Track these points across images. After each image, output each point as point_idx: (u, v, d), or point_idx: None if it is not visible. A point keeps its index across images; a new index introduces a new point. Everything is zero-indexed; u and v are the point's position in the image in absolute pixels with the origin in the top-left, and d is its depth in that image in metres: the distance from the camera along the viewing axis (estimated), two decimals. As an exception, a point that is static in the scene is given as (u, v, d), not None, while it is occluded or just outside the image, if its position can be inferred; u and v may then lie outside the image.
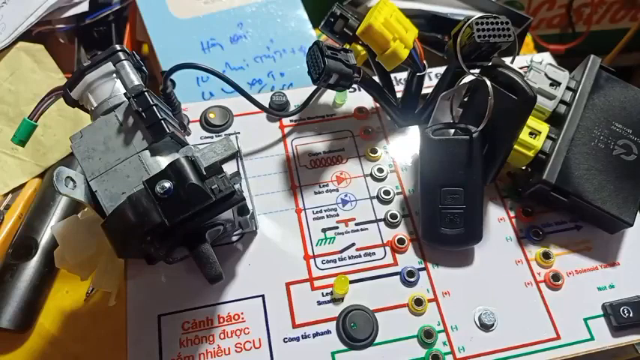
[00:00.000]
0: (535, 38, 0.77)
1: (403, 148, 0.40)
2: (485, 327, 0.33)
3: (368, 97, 0.42)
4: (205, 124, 0.40)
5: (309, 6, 0.54)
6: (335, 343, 0.32)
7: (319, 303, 0.34)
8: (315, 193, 0.38)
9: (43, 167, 0.50)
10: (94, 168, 0.30)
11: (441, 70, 0.43)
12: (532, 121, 0.36)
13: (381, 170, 0.38)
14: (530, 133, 0.36)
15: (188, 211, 0.26)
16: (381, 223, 0.37)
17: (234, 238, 0.36)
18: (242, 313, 0.33)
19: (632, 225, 0.35)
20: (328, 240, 0.36)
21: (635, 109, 0.38)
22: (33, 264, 0.43)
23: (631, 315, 0.33)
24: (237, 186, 0.28)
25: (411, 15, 0.44)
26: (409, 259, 0.35)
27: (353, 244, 0.36)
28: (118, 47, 0.32)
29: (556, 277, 0.35)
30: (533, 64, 0.39)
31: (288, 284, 0.34)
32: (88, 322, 0.43)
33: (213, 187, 0.27)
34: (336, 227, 0.36)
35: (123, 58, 0.31)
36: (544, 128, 0.36)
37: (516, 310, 0.34)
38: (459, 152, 0.34)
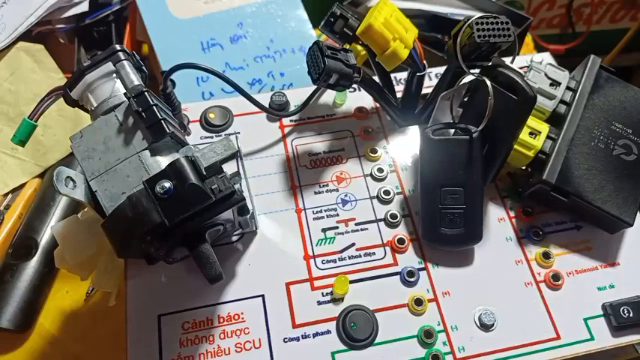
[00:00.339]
0: (535, 38, 0.77)
1: (403, 148, 0.40)
2: (485, 327, 0.33)
3: (368, 97, 0.42)
4: (205, 124, 0.40)
5: (309, 6, 0.54)
6: (335, 343, 0.32)
7: (319, 303, 0.34)
8: (315, 193, 0.38)
9: (43, 167, 0.50)
10: (94, 168, 0.30)
11: (441, 70, 0.43)
12: (532, 121, 0.36)
13: (381, 170, 0.38)
14: (530, 133, 0.36)
15: (188, 211, 0.26)
16: (381, 223, 0.37)
17: (234, 238, 0.36)
18: (242, 313, 0.33)
19: (632, 225, 0.35)
20: (328, 240, 0.36)
21: (635, 109, 0.38)
22: (33, 264, 0.43)
23: (631, 315, 0.33)
24: (237, 186, 0.28)
25: (411, 15, 0.44)
26: (409, 259, 0.35)
27: (353, 244, 0.36)
28: (118, 47, 0.32)
29: (556, 277, 0.35)
30: (533, 64, 0.39)
31: (288, 284, 0.34)
32: (88, 322, 0.43)
33: (213, 187, 0.27)
34: (336, 227, 0.36)
35: (123, 58, 0.31)
36: (544, 128, 0.36)
37: (516, 310, 0.34)
38: (459, 152, 0.34)
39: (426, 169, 0.35)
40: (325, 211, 0.37)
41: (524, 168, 0.38)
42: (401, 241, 0.36)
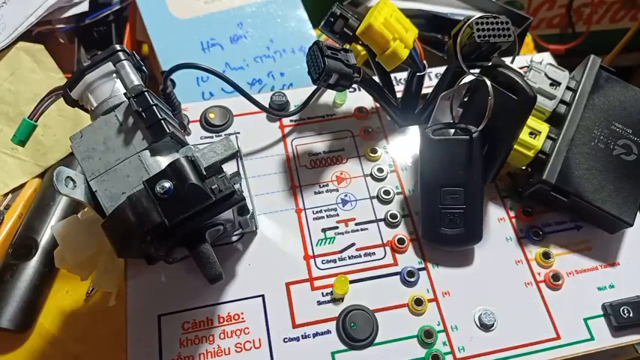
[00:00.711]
0: (535, 38, 0.77)
1: (403, 148, 0.40)
2: (485, 327, 0.33)
3: (368, 97, 0.42)
4: (205, 124, 0.40)
5: (309, 6, 0.54)
6: (335, 343, 0.32)
7: (319, 303, 0.34)
8: (315, 193, 0.38)
9: (43, 167, 0.50)
10: (94, 168, 0.30)
11: (441, 70, 0.43)
12: (532, 121, 0.36)
13: (381, 170, 0.38)
14: (530, 133, 0.36)
15: (188, 211, 0.26)
16: (381, 223, 0.37)
17: (234, 238, 0.36)
18: (242, 313, 0.33)
19: (632, 225, 0.35)
20: (328, 240, 0.36)
21: (635, 109, 0.38)
22: (33, 264, 0.43)
23: (631, 315, 0.33)
24: (237, 186, 0.28)
25: (411, 15, 0.44)
26: (409, 259, 0.35)
27: (353, 244, 0.36)
28: (118, 47, 0.32)
29: (556, 277, 0.35)
30: (533, 64, 0.39)
31: (288, 284, 0.34)
32: (88, 322, 0.43)
33: (213, 187, 0.27)
34: (336, 227, 0.36)
35: (123, 58, 0.31)
36: (544, 128, 0.36)
37: (516, 310, 0.34)
38: (459, 152, 0.34)
39: (426, 169, 0.35)
40: (325, 211, 0.37)
41: (524, 168, 0.38)
42: (401, 241, 0.36)
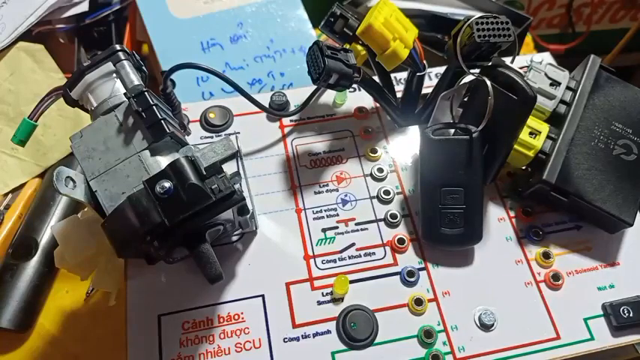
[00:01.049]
0: (535, 38, 0.77)
1: (403, 148, 0.40)
2: (486, 327, 0.33)
3: (368, 97, 0.42)
4: (205, 124, 0.40)
5: (309, 6, 0.54)
6: (335, 343, 0.32)
7: (319, 303, 0.34)
8: (315, 193, 0.38)
9: (43, 167, 0.50)
10: (94, 168, 0.30)
11: (441, 70, 0.43)
12: (532, 121, 0.36)
13: (381, 170, 0.38)
14: (530, 133, 0.36)
15: (188, 211, 0.26)
16: (381, 223, 0.37)
17: (234, 238, 0.36)
18: (242, 313, 0.33)
19: (632, 225, 0.35)
20: (328, 240, 0.36)
21: (635, 109, 0.38)
22: (33, 264, 0.43)
23: (631, 315, 0.33)
24: (237, 186, 0.28)
25: (411, 15, 0.44)
26: (409, 259, 0.35)
27: (353, 244, 0.36)
28: (117, 47, 0.32)
29: (556, 277, 0.35)
30: (533, 64, 0.39)
31: (288, 284, 0.34)
32: (88, 322, 0.43)
33: (213, 187, 0.27)
34: (336, 227, 0.36)
35: (123, 58, 0.31)
36: (544, 128, 0.36)
37: (516, 310, 0.34)
38: (459, 152, 0.34)
39: (426, 169, 0.35)
40: (325, 211, 0.37)
41: (524, 168, 0.38)
42: (401, 241, 0.36)
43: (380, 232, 0.36)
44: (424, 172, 0.35)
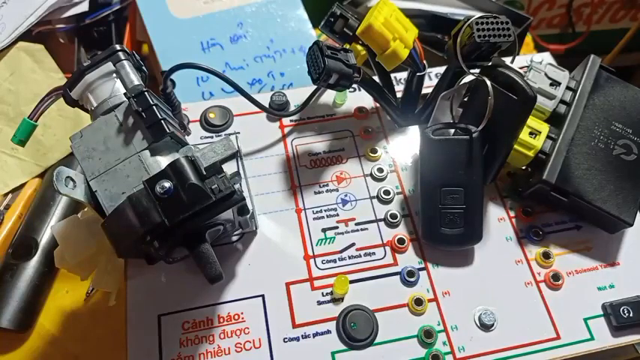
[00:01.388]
0: (535, 38, 0.77)
1: (403, 148, 0.40)
2: (486, 327, 0.33)
3: (368, 97, 0.42)
4: (205, 124, 0.40)
5: (309, 6, 0.54)
6: (335, 343, 0.32)
7: (319, 303, 0.34)
8: (315, 193, 0.38)
9: (43, 167, 0.50)
10: (94, 168, 0.30)
11: (441, 70, 0.43)
12: (532, 121, 0.36)
13: (381, 170, 0.38)
14: (530, 133, 0.36)
15: (188, 211, 0.26)
16: (381, 223, 0.37)
17: (234, 238, 0.36)
18: (242, 313, 0.33)
19: (632, 225, 0.35)
20: (328, 240, 0.36)
21: (635, 109, 0.38)
22: (33, 264, 0.43)
23: (631, 315, 0.33)
24: (237, 186, 0.28)
25: (411, 15, 0.44)
26: (409, 259, 0.35)
27: (353, 244, 0.36)
28: (117, 47, 0.32)
29: (556, 277, 0.35)
30: (533, 64, 0.39)
31: (288, 284, 0.34)
32: (88, 322, 0.43)
33: (213, 187, 0.27)
34: (336, 227, 0.36)
35: (123, 58, 0.31)
36: (544, 128, 0.36)
37: (516, 310, 0.34)
38: (459, 152, 0.34)
39: (426, 169, 0.35)
40: (325, 211, 0.37)
41: (524, 168, 0.38)
42: (401, 241, 0.36)
43: (380, 232, 0.36)
44: (424, 172, 0.35)
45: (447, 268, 0.35)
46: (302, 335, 0.32)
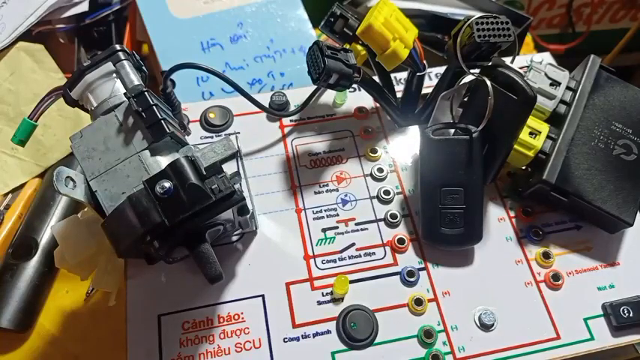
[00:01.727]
0: (535, 38, 0.77)
1: (403, 148, 0.40)
2: (486, 327, 0.33)
3: (368, 97, 0.42)
4: (205, 124, 0.40)
5: (309, 6, 0.54)
6: (335, 343, 0.32)
7: (319, 303, 0.34)
8: (315, 193, 0.38)
9: (43, 167, 0.50)
10: (94, 168, 0.30)
11: (441, 70, 0.43)
12: (532, 121, 0.36)
13: (381, 170, 0.38)
14: (530, 133, 0.36)
15: (188, 211, 0.26)
16: (381, 223, 0.37)
17: (234, 238, 0.36)
18: (242, 313, 0.33)
19: (632, 225, 0.35)
20: (328, 240, 0.36)
21: (635, 109, 0.38)
22: (33, 264, 0.43)
23: (631, 315, 0.33)
24: (237, 186, 0.28)
25: (411, 15, 0.44)
26: (409, 259, 0.35)
27: (353, 244, 0.36)
28: (117, 47, 0.32)
29: (556, 277, 0.35)
30: (533, 64, 0.39)
31: (288, 284, 0.34)
32: (88, 322, 0.43)
33: (213, 187, 0.27)
34: (336, 227, 0.36)
35: (123, 57, 0.31)
36: (544, 128, 0.36)
37: (516, 310, 0.34)
38: (459, 152, 0.34)
39: (426, 169, 0.35)
40: (325, 211, 0.37)
41: (524, 168, 0.38)
42: (401, 241, 0.36)
43: (380, 232, 0.36)
44: (424, 172, 0.35)
45: (447, 268, 0.35)
46: (302, 335, 0.32)
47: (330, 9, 0.37)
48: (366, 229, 0.36)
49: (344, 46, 0.35)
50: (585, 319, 0.34)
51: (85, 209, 0.33)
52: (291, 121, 0.41)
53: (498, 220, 0.37)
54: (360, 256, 0.35)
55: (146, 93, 0.30)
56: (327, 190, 0.38)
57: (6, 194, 0.49)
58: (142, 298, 0.33)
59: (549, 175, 0.35)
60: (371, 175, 0.39)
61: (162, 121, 0.29)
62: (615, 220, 0.35)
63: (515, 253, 0.36)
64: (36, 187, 0.49)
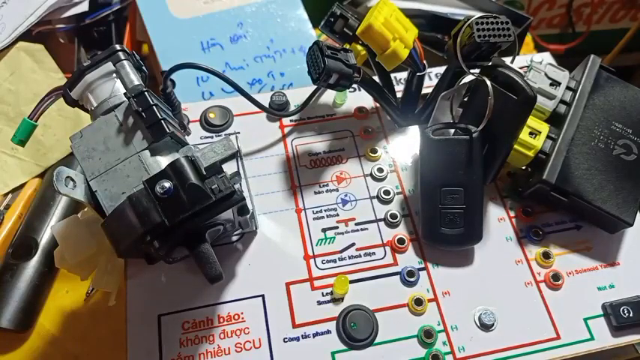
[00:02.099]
0: (535, 38, 0.77)
1: (403, 148, 0.40)
2: (486, 327, 0.33)
3: (368, 97, 0.42)
4: (205, 124, 0.40)
5: (309, 6, 0.54)
6: (335, 343, 0.32)
7: (319, 303, 0.34)
8: (315, 193, 0.38)
9: (43, 167, 0.50)
10: (94, 168, 0.30)
11: (441, 70, 0.43)
12: (532, 121, 0.36)
13: (381, 170, 0.38)
14: (530, 133, 0.36)
15: (188, 211, 0.26)
16: (381, 223, 0.37)
17: (234, 238, 0.36)
18: (242, 313, 0.33)
19: (632, 225, 0.35)
20: (328, 240, 0.36)
21: (635, 109, 0.38)
22: (33, 264, 0.43)
23: (631, 315, 0.33)
24: (237, 186, 0.28)
25: (411, 15, 0.44)
26: (409, 259, 0.35)
27: (353, 244, 0.36)
28: (117, 47, 0.32)
29: (556, 277, 0.35)
30: (533, 64, 0.39)
31: (288, 284, 0.34)
32: (88, 322, 0.43)
33: (213, 187, 0.27)
34: (336, 227, 0.36)
35: (123, 57, 0.31)
36: (544, 128, 0.36)
37: (516, 310, 0.34)
38: (459, 152, 0.34)
39: (426, 169, 0.35)
40: (325, 211, 0.37)
41: (524, 168, 0.38)
42: (401, 241, 0.36)
43: (380, 232, 0.36)
44: (424, 172, 0.35)
45: (447, 268, 0.35)
46: (302, 335, 0.32)
47: (330, 9, 0.37)
48: (366, 229, 0.36)
49: (344, 46, 0.35)
50: (585, 319, 0.34)
51: (85, 209, 0.33)
52: (291, 121, 0.41)
53: (498, 220, 0.37)
54: (360, 256, 0.35)
55: (146, 93, 0.30)
56: (327, 190, 0.38)
57: (6, 194, 0.49)
58: (142, 298, 0.33)
59: (549, 175, 0.35)
60: (371, 175, 0.39)
61: (162, 121, 0.29)
62: (615, 220, 0.35)
63: (515, 253, 0.36)
64: (36, 187, 0.49)
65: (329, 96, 0.42)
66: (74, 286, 0.44)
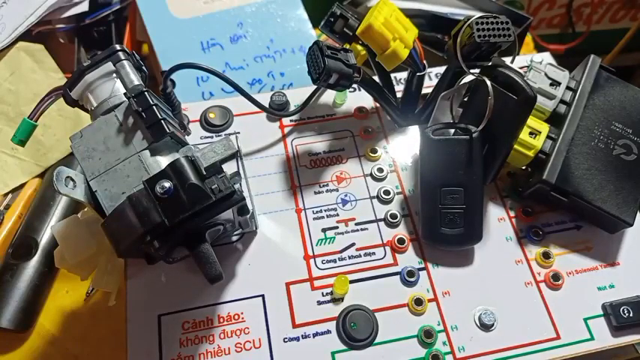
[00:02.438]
0: (535, 38, 0.77)
1: (403, 148, 0.40)
2: (486, 327, 0.33)
3: (368, 97, 0.42)
4: (205, 124, 0.40)
5: (309, 6, 0.54)
6: (335, 343, 0.32)
7: (319, 303, 0.34)
8: (315, 193, 0.38)
9: (43, 167, 0.50)
10: (94, 168, 0.30)
11: (441, 70, 0.43)
12: (532, 121, 0.36)
13: (381, 170, 0.38)
14: (530, 133, 0.36)
15: (188, 211, 0.26)
16: (381, 223, 0.37)
17: (234, 238, 0.36)
18: (242, 313, 0.33)
19: (632, 225, 0.35)
20: (328, 240, 0.36)
21: (635, 109, 0.38)
22: (33, 264, 0.43)
23: (631, 315, 0.33)
24: (237, 186, 0.28)
25: (411, 15, 0.44)
26: (409, 259, 0.35)
27: (353, 244, 0.36)
28: (117, 47, 0.32)
29: (556, 277, 0.35)
30: (533, 64, 0.39)
31: (288, 284, 0.34)
32: (88, 322, 0.43)
33: (213, 187, 0.27)
34: (336, 227, 0.36)
35: (123, 57, 0.31)
36: (544, 128, 0.36)
37: (516, 310, 0.34)
38: (459, 152, 0.34)
39: (426, 169, 0.35)
40: (325, 211, 0.37)
41: (524, 168, 0.38)
42: (401, 241, 0.36)
43: (380, 232, 0.36)
44: (424, 172, 0.35)
45: (447, 268, 0.35)
46: (302, 335, 0.32)
47: (330, 9, 0.37)
48: (366, 229, 0.36)
49: (344, 46, 0.35)
50: (585, 319, 0.34)
51: (85, 209, 0.33)
52: (291, 121, 0.41)
53: (498, 220, 0.37)
54: (360, 256, 0.35)
55: (146, 93, 0.30)
56: (327, 190, 0.38)
57: (6, 194, 0.49)
58: (142, 298, 0.33)
59: (549, 175, 0.35)
60: (371, 175, 0.39)
61: (162, 121, 0.29)
62: (615, 220, 0.35)
63: (515, 253, 0.36)
64: (36, 187, 0.49)
65: (329, 96, 0.42)
66: (74, 286, 0.44)
